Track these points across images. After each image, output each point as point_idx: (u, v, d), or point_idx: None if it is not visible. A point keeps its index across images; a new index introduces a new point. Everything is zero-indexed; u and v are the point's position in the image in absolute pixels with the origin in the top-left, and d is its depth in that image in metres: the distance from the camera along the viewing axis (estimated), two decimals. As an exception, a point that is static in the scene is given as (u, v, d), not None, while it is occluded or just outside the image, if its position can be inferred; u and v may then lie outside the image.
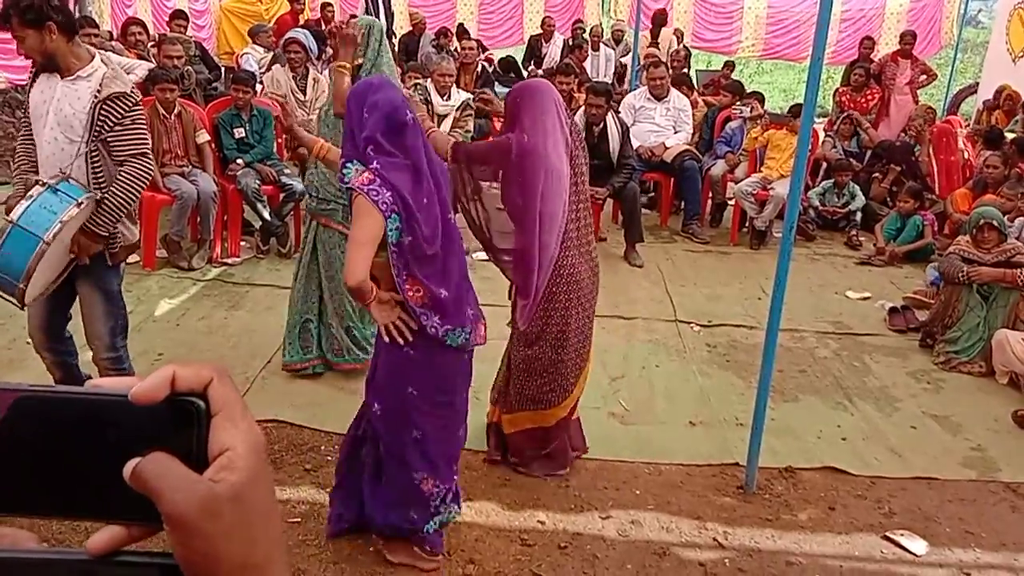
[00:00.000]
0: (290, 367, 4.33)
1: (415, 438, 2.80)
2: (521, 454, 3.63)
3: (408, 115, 2.64)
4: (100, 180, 3.21)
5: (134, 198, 3.28)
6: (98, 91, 3.15)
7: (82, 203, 3.09)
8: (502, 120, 3.56)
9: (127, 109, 3.21)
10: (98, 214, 3.19)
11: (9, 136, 7.67)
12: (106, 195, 3.20)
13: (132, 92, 3.27)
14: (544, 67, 10.94)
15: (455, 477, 2.98)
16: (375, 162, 2.56)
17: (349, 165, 2.63)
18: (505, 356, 3.64)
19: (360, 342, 4.31)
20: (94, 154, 3.19)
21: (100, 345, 3.48)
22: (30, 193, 3.05)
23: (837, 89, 9.81)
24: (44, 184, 3.06)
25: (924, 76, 9.76)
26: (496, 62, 11.06)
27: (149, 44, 7.92)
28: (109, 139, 3.19)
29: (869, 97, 9.24)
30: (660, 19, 11.50)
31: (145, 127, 3.34)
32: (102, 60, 3.25)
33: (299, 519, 3.22)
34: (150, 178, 3.33)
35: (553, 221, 3.27)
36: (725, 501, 3.52)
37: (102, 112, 3.15)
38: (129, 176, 3.23)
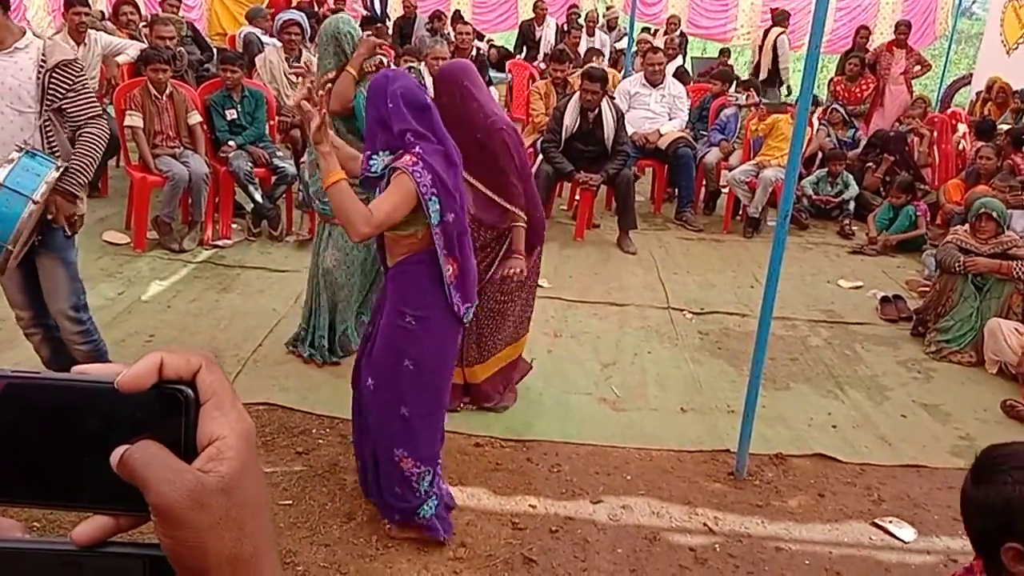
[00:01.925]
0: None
1: (403, 415, 2.83)
2: (490, 398, 3.94)
3: (427, 98, 2.75)
4: (55, 150, 3.23)
5: (96, 160, 3.30)
6: (43, 60, 3.16)
7: (59, 167, 3.11)
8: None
9: (76, 74, 3.24)
10: (70, 175, 3.18)
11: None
12: (72, 157, 3.21)
13: (76, 59, 3.30)
14: (542, 52, 10.89)
15: (437, 463, 3.02)
16: (417, 147, 2.65)
17: (375, 157, 2.74)
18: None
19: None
20: (47, 124, 3.20)
21: (64, 320, 3.48)
22: (9, 158, 3.03)
23: (832, 79, 9.81)
24: (20, 149, 3.05)
25: (919, 66, 9.78)
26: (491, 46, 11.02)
27: (141, 24, 7.86)
28: (64, 106, 3.21)
29: (863, 87, 9.25)
30: (780, 16, 10.63)
31: (93, 91, 3.38)
32: (35, 34, 3.27)
33: (291, 501, 3.21)
34: (107, 139, 3.35)
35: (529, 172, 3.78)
36: (715, 487, 3.53)
37: (52, 80, 3.16)
38: (92, 137, 3.26)
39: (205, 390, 0.50)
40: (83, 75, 3.29)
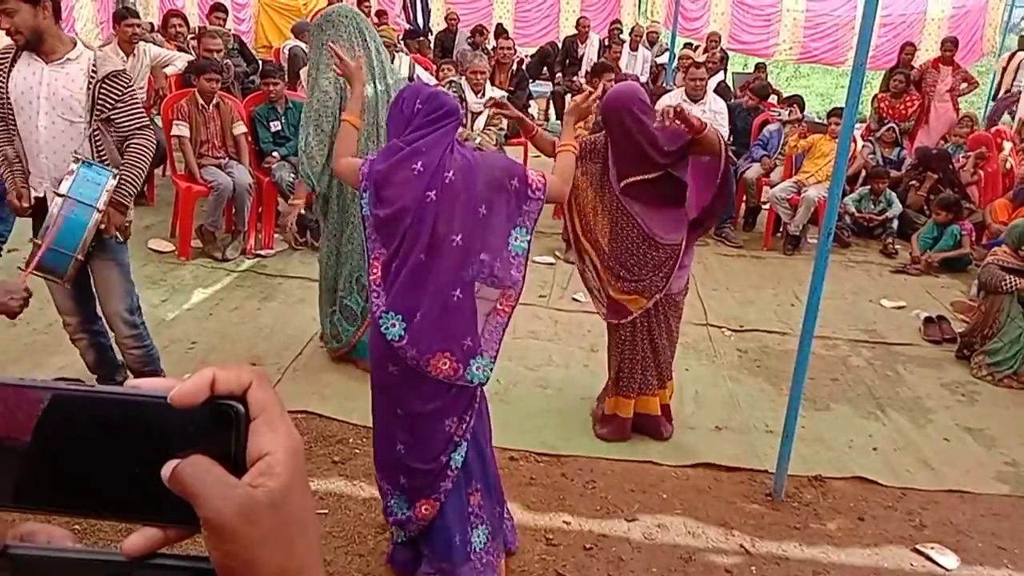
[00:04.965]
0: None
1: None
2: (662, 430, 3.95)
3: (403, 103, 2.69)
4: (104, 159, 3.29)
5: (145, 170, 3.38)
6: (93, 71, 3.22)
7: (116, 176, 3.18)
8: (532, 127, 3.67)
9: (126, 86, 3.30)
10: (121, 186, 3.26)
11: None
12: (123, 169, 3.27)
13: (125, 71, 3.37)
14: (583, 68, 10.89)
15: (400, 497, 2.78)
16: (380, 148, 2.75)
17: None
18: (654, 342, 3.80)
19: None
20: (95, 134, 3.26)
21: (119, 323, 3.55)
22: (69, 169, 3.11)
23: (876, 95, 9.69)
24: (77, 160, 3.12)
25: (965, 84, 9.61)
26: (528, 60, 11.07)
27: (189, 37, 8.01)
28: (113, 116, 3.27)
29: (908, 104, 9.11)
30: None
31: (141, 101, 3.45)
32: (85, 45, 3.32)
33: (326, 511, 3.24)
34: (155, 149, 3.43)
35: None
36: (753, 508, 3.49)
37: (102, 91, 3.22)
38: (140, 149, 3.33)
39: (256, 406, 0.50)
40: (131, 86, 3.36)
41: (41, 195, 3.32)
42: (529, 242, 2.68)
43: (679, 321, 3.87)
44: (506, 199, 2.63)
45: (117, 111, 3.28)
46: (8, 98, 3.21)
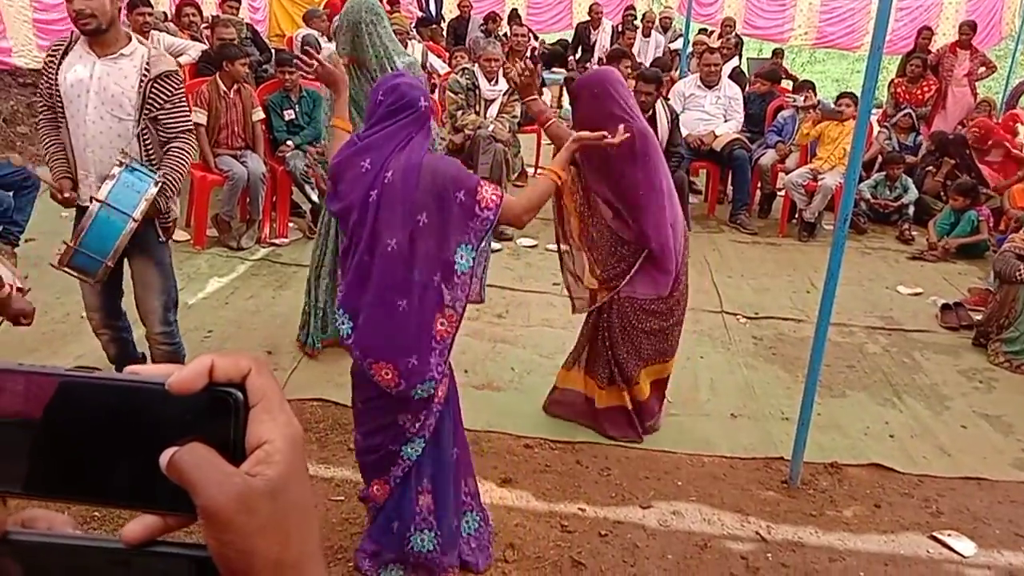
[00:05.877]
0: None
1: None
2: (652, 414, 3.83)
3: (376, 106, 2.60)
4: (151, 158, 3.27)
5: (186, 173, 3.38)
6: (146, 69, 3.18)
7: (158, 182, 3.16)
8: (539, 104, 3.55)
9: (177, 87, 3.26)
10: (164, 190, 3.25)
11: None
12: (166, 170, 3.26)
13: (178, 71, 3.33)
14: (596, 55, 10.85)
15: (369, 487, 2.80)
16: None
17: None
18: (605, 337, 3.70)
19: None
20: (144, 132, 3.23)
21: (154, 320, 3.53)
22: (111, 173, 3.09)
23: (892, 80, 9.60)
24: (121, 164, 3.11)
25: (983, 68, 9.50)
26: (543, 47, 11.01)
27: (202, 26, 8.02)
28: (160, 116, 3.23)
29: (925, 89, 9.02)
30: None
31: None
32: (139, 40, 3.28)
33: (342, 498, 3.25)
34: (195, 153, 3.42)
35: (674, 192, 3.64)
36: (768, 495, 3.48)
37: (153, 90, 3.19)
38: (182, 151, 3.32)
39: (255, 393, 0.50)
40: (182, 87, 3.32)
41: (85, 199, 3.26)
42: (475, 260, 2.53)
43: (650, 334, 3.68)
44: (449, 211, 2.48)
45: (165, 111, 3.24)
46: (58, 89, 3.18)
